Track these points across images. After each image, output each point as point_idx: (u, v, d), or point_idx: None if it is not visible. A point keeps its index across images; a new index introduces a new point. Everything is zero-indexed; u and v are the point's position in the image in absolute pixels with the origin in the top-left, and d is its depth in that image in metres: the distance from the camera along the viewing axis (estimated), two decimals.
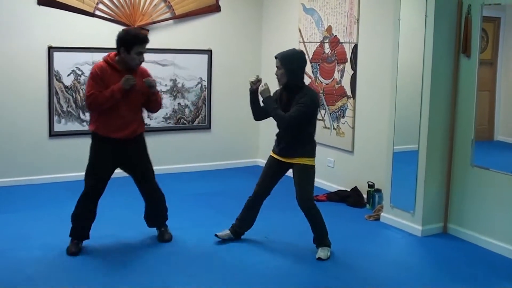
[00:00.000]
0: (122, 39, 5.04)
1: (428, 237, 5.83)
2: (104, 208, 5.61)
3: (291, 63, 5.16)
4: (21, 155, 7.35)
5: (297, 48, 7.84)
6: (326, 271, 4.97)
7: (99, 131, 5.14)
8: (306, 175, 5.31)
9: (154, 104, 5.39)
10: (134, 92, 5.12)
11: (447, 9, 5.65)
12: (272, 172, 5.46)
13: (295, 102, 5.16)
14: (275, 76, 5.25)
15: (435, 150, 5.82)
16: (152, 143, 7.87)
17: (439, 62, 5.69)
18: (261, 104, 5.39)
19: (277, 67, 5.21)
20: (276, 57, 5.24)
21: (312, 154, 5.33)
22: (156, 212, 5.61)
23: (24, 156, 7.37)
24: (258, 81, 5.29)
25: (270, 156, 5.49)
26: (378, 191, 6.65)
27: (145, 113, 5.54)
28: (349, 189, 7.10)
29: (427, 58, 5.67)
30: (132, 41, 5.01)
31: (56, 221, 5.97)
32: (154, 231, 5.68)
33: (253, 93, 5.36)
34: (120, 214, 6.24)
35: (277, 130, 5.38)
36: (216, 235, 5.55)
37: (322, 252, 5.29)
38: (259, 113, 5.48)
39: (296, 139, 5.28)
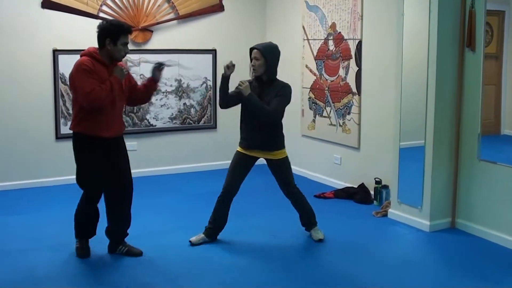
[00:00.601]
0: (108, 30, 4.84)
1: (436, 232, 5.82)
2: None
3: (271, 54, 5.29)
4: (29, 158, 7.38)
5: (301, 45, 7.86)
6: (334, 268, 4.97)
7: (87, 131, 4.86)
8: (287, 165, 5.53)
9: (148, 94, 5.27)
10: (120, 88, 4.94)
11: (450, 3, 5.63)
12: (242, 169, 5.51)
13: (271, 94, 5.29)
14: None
15: (441, 145, 5.81)
16: (159, 143, 7.98)
17: (443, 56, 5.68)
18: (237, 98, 5.41)
19: (255, 58, 5.29)
20: (254, 48, 5.32)
21: (284, 145, 5.54)
22: (122, 226, 5.24)
23: (31, 159, 7.39)
24: (233, 65, 5.34)
25: (239, 152, 5.53)
26: (385, 187, 6.64)
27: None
28: (356, 186, 7.09)
29: (431, 53, 5.66)
30: (118, 31, 4.83)
31: (65, 223, 5.98)
32: (165, 232, 5.71)
33: (226, 78, 5.36)
34: (137, 216, 6.25)
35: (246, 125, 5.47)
36: (190, 241, 5.47)
37: (317, 234, 5.60)
38: (227, 101, 5.46)
39: (274, 132, 5.41)
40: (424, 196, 5.88)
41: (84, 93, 4.70)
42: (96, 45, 4.95)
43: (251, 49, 5.34)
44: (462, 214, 5.90)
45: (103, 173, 5.00)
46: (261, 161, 5.49)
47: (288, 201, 5.65)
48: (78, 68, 4.80)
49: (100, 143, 4.92)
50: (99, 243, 5.29)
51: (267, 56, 5.23)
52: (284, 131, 5.48)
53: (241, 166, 5.49)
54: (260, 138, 5.37)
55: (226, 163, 8.51)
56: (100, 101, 4.74)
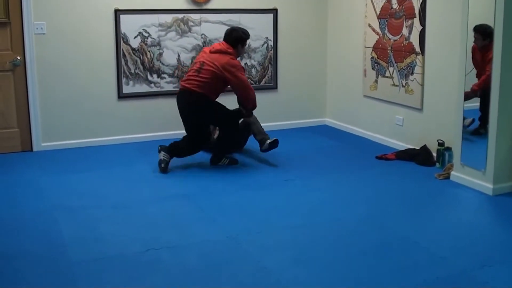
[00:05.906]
0: (241, 38, 6.57)
1: (500, 196, 5.69)
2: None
3: None
4: (92, 117, 7.50)
5: (364, 3, 7.71)
6: (395, 230, 4.92)
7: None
8: None
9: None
10: None
11: None
12: None
13: None
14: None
15: (506, 106, 5.63)
16: (222, 103, 7.97)
17: (511, 15, 5.47)
18: None
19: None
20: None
21: None
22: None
23: (94, 118, 7.52)
24: None
25: None
26: (448, 149, 6.51)
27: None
28: (418, 148, 6.98)
29: (498, 12, 5.46)
30: (247, 38, 6.66)
31: (126, 181, 6.12)
32: (228, 192, 5.77)
33: None
34: (197, 177, 6.33)
35: None
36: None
37: None
38: None
39: None
40: (487, 158, 5.73)
41: (251, 90, 6.76)
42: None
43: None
44: None
45: None
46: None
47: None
48: (240, 66, 6.61)
49: None
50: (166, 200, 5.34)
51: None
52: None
53: None
54: None
55: (287, 123, 8.57)
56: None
